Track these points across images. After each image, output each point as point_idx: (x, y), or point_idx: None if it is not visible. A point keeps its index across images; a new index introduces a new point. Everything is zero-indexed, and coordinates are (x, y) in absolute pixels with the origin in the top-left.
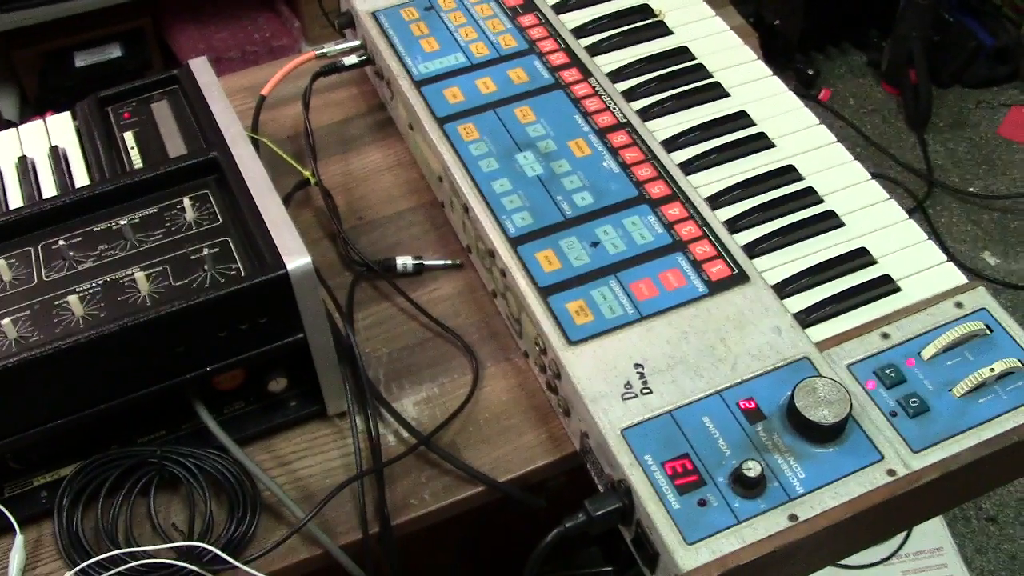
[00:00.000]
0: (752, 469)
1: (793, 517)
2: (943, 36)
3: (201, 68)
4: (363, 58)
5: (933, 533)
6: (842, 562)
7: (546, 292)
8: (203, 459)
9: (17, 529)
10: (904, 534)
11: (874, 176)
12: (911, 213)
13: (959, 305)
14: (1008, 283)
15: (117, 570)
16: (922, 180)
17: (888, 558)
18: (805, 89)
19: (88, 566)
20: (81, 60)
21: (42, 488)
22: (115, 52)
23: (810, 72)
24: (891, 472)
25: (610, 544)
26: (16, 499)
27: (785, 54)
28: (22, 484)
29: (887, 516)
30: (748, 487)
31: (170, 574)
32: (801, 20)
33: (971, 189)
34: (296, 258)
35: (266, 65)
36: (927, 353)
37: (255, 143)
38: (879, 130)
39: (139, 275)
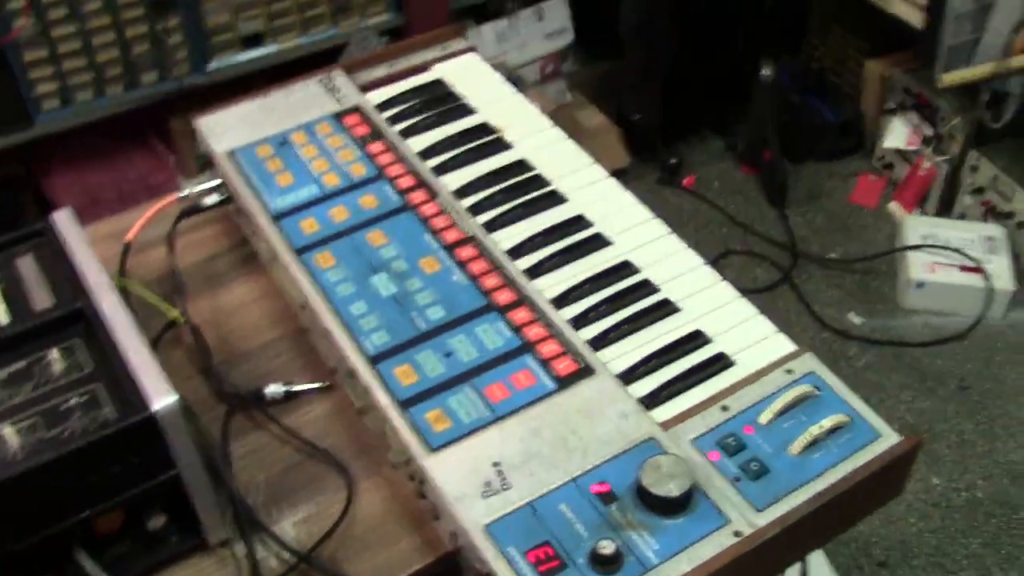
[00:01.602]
0: (607, 547)
1: None
2: (792, 116)
3: (64, 220)
4: (224, 197)
5: None
6: None
7: (405, 404)
8: None
9: None
10: None
11: (741, 252)
12: (779, 284)
13: (789, 371)
14: (874, 339)
15: None
16: (787, 252)
17: None
18: (670, 177)
19: None
20: None
21: None
22: None
23: (673, 161)
24: (737, 533)
25: None
26: None
27: (648, 146)
28: None
29: (742, 572)
30: (605, 564)
31: None
32: (660, 113)
33: (832, 255)
34: (162, 398)
35: (129, 212)
36: (763, 419)
37: (123, 289)
38: (742, 209)
39: (8, 431)
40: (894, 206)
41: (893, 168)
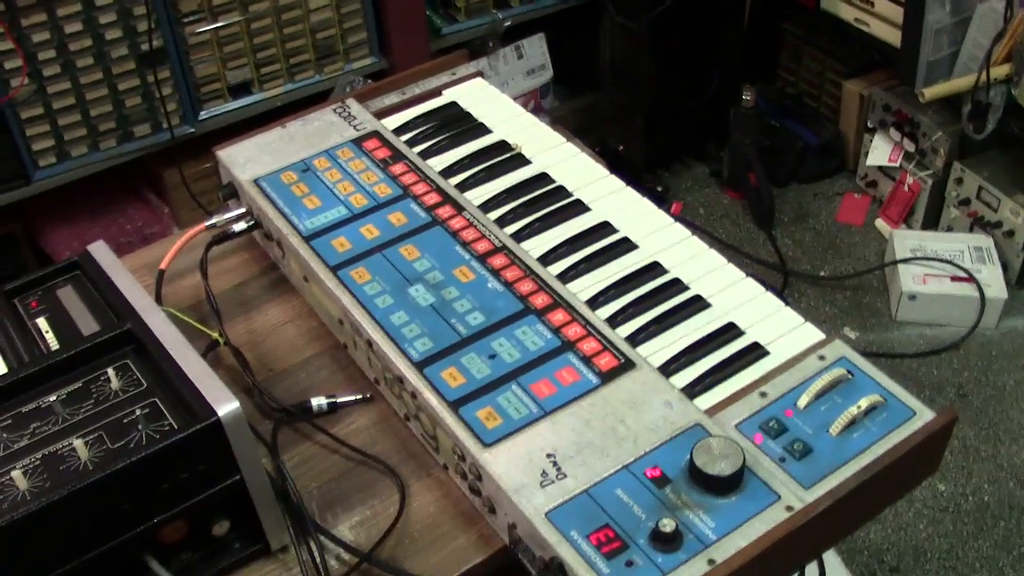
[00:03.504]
0: (667, 525)
1: (711, 561)
2: (773, 140)
3: (101, 251)
4: (251, 223)
5: None
6: None
7: (456, 405)
8: None
9: None
10: None
11: None
12: None
13: (822, 358)
14: (869, 352)
15: None
16: (777, 272)
17: None
18: (657, 205)
19: None
20: None
21: None
22: None
23: (659, 189)
24: (789, 508)
25: None
26: None
27: (633, 176)
28: None
29: (794, 546)
30: (666, 542)
31: None
32: (643, 143)
33: (822, 273)
34: (225, 404)
35: (157, 244)
36: (802, 403)
37: None
38: (731, 233)
39: (78, 443)
40: (881, 223)
41: (877, 185)
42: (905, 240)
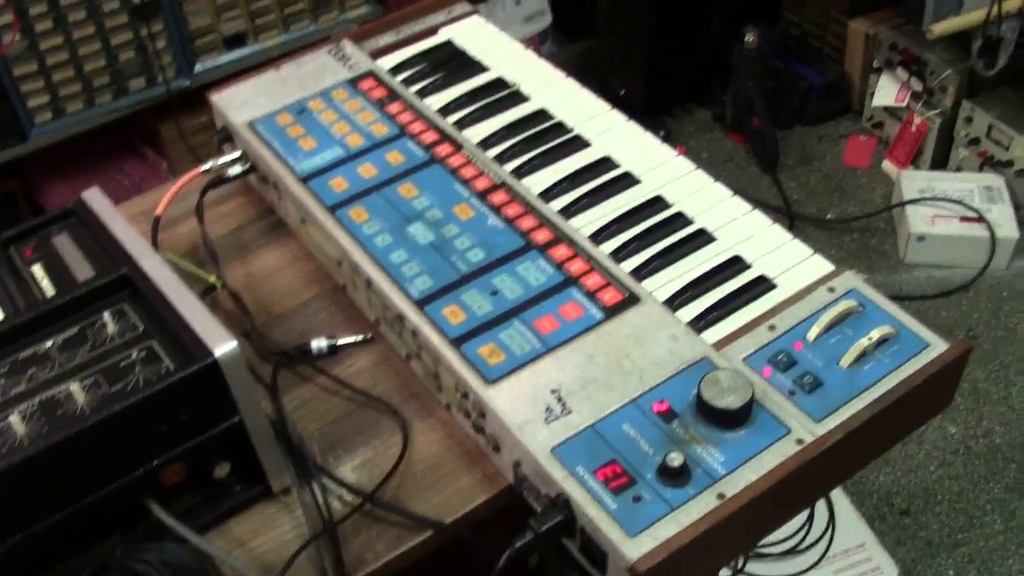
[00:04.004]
0: (675, 459)
1: (721, 496)
2: (777, 82)
3: (95, 197)
4: (247, 167)
5: (854, 531)
6: (776, 573)
7: (458, 342)
8: (165, 552)
9: None
10: (828, 537)
11: None
12: None
13: (831, 290)
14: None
15: None
16: (783, 216)
17: (817, 562)
18: None
19: None
20: None
21: None
22: None
23: (661, 134)
24: (800, 441)
25: None
26: None
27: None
28: None
29: (806, 480)
30: (675, 476)
31: None
32: (644, 87)
33: (828, 216)
34: (222, 344)
35: (152, 191)
36: (811, 335)
37: None
38: (735, 176)
39: (75, 387)
40: (887, 164)
41: (883, 127)
42: (913, 181)
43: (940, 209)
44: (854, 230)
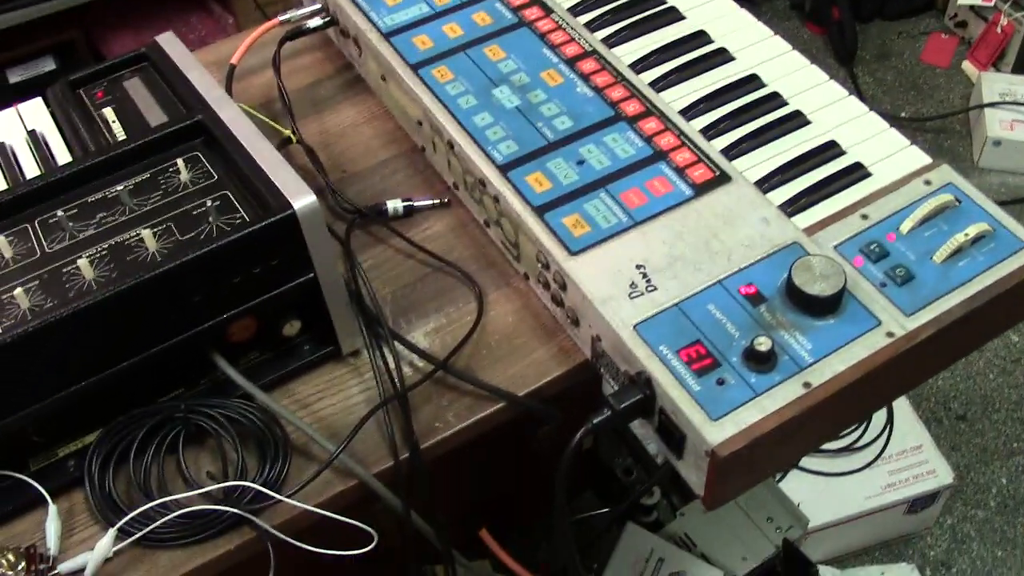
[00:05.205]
0: (763, 344)
1: (807, 384)
2: None
3: (170, 41)
4: (327, 19)
5: (912, 433)
6: (830, 469)
7: (541, 210)
8: (229, 408)
9: (49, 500)
10: (885, 436)
11: None
12: None
13: (927, 183)
14: None
15: (160, 521)
16: None
17: (873, 461)
18: None
19: (127, 523)
20: (15, 76)
21: (68, 457)
22: (49, 65)
23: None
24: (890, 334)
25: (603, 487)
26: (43, 471)
27: None
28: (47, 456)
29: (891, 376)
30: (761, 362)
31: (211, 520)
32: None
33: (903, 114)
34: (301, 197)
35: (226, 40)
36: (905, 227)
37: None
38: None
39: (146, 233)
40: (968, 65)
41: (967, 26)
42: (994, 83)
43: (1020, 114)
44: (928, 130)
